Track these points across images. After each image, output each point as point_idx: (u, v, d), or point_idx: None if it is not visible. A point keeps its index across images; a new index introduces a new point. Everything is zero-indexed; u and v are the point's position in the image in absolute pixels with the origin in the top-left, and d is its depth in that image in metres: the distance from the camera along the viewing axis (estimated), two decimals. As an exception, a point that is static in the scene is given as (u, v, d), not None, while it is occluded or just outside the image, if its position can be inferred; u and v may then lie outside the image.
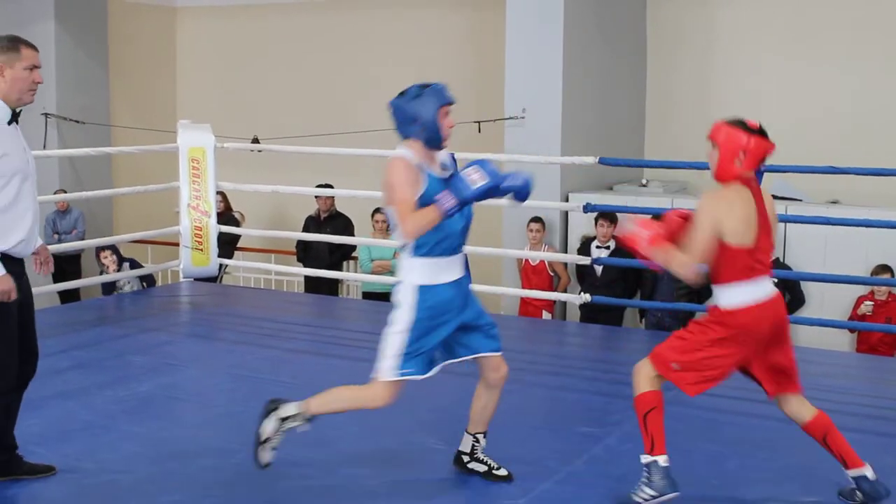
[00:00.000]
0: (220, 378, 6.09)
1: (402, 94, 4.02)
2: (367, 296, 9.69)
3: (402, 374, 4.00)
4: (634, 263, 8.39)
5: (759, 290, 4.02)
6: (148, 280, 9.56)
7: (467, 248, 6.84)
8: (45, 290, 8.42)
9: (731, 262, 3.99)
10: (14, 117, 4.13)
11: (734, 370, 4.14)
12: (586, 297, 7.30)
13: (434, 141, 3.97)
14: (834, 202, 9.03)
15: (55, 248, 9.52)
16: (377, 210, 9.58)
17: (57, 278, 10.41)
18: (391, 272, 9.48)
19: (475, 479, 4.37)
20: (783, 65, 9.98)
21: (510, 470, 4.36)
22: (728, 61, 10.22)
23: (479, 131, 10.24)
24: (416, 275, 4.01)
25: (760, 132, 3.98)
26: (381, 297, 9.42)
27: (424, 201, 3.89)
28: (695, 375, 4.08)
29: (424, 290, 3.99)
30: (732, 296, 4.03)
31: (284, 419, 4.11)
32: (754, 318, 4.01)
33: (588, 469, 4.56)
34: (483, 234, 9.40)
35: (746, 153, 3.93)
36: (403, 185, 3.89)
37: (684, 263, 4.03)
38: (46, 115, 11.60)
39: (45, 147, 11.35)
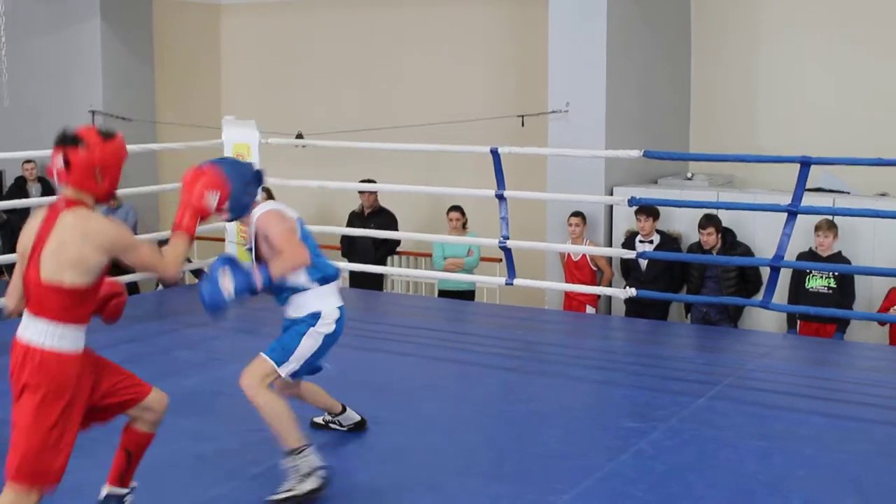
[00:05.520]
0: (266, 373, 6.11)
1: None
2: (443, 294, 9.60)
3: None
4: (680, 257, 8.42)
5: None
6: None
7: (513, 242, 6.88)
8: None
9: None
10: None
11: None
12: (631, 291, 7.26)
13: None
14: (883, 194, 8.91)
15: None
16: (452, 208, 9.52)
17: (112, 272, 10.52)
18: (464, 270, 9.37)
19: (526, 474, 4.40)
20: (829, 55, 9.84)
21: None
22: (773, 52, 10.08)
23: (523, 125, 10.21)
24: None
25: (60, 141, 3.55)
26: (456, 295, 9.34)
27: None
28: None
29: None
30: None
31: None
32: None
33: (633, 464, 4.53)
34: (527, 228, 9.42)
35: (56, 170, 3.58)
36: None
37: None
38: (93, 112, 11.69)
39: (91, 144, 11.42)
